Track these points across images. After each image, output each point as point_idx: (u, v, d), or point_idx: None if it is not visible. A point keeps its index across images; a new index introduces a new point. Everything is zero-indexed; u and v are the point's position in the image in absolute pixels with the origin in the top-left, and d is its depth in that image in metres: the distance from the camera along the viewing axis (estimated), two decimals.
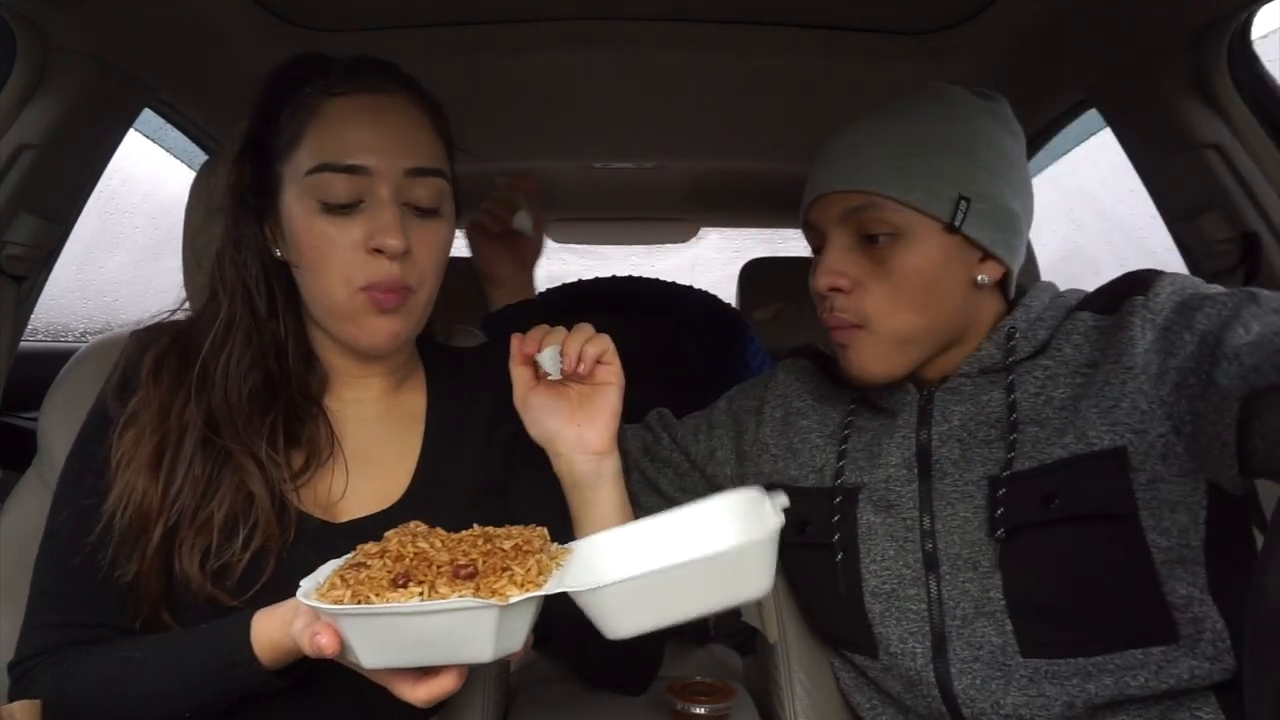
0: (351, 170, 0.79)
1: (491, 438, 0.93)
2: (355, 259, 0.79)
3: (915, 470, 0.89)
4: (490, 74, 1.36)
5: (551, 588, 0.60)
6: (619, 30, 1.24)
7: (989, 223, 0.87)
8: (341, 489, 0.85)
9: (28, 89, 1.09)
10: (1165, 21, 1.09)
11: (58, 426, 1.02)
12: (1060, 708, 0.79)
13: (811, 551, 0.93)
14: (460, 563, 0.61)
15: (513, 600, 0.57)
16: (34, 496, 1.02)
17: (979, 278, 0.88)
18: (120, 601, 0.79)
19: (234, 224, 0.85)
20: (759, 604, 1.07)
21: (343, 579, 0.61)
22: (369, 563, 0.62)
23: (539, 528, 0.69)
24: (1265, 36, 1.17)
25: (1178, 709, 0.79)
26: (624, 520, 0.85)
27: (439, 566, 0.61)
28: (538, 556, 0.64)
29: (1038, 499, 0.80)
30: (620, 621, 0.62)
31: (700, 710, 1.02)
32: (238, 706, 0.75)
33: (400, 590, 0.58)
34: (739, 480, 1.05)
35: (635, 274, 1.81)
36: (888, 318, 0.87)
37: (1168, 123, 1.17)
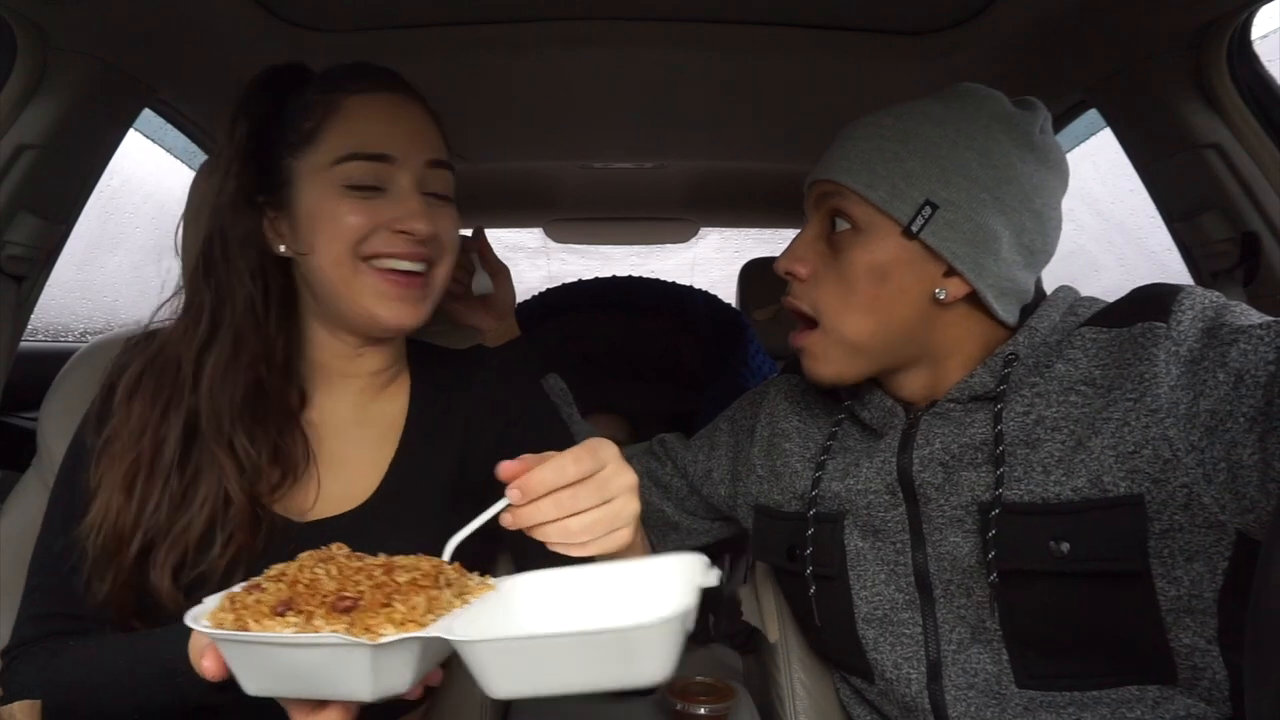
0: (379, 159, 0.83)
1: (470, 439, 0.93)
2: (373, 236, 0.82)
3: (900, 495, 0.86)
4: (490, 74, 1.35)
5: (433, 630, 0.55)
6: (619, 30, 1.24)
7: (955, 234, 0.82)
8: (313, 498, 0.86)
9: (28, 89, 1.09)
10: (1165, 21, 1.09)
11: (57, 427, 1.02)
12: None
13: (803, 579, 0.92)
14: (343, 593, 0.57)
15: (385, 640, 0.54)
16: (34, 496, 1.02)
17: (938, 291, 0.83)
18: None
19: (232, 224, 0.84)
20: (759, 604, 1.07)
21: (232, 601, 0.59)
22: (265, 586, 0.60)
23: (455, 563, 0.65)
24: (1265, 36, 1.17)
25: None
26: (641, 543, 0.83)
27: (324, 596, 0.57)
28: (433, 593, 0.59)
29: (1043, 541, 0.76)
30: (494, 681, 0.56)
31: (700, 710, 1.02)
32: (192, 714, 0.75)
33: (278, 619, 0.56)
34: (731, 500, 1.05)
35: (635, 274, 1.81)
36: (837, 316, 0.86)
37: (1168, 123, 1.17)
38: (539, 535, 0.63)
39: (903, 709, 0.87)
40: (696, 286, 1.81)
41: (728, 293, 2.16)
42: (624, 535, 0.65)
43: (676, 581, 0.62)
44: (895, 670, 0.86)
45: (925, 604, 0.85)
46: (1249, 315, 0.74)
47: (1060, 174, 0.88)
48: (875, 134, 0.86)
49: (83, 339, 2.35)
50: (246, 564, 0.79)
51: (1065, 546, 0.75)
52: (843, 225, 0.86)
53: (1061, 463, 0.77)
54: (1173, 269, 1.34)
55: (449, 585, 0.61)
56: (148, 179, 2.56)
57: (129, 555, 0.78)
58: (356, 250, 0.82)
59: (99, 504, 0.80)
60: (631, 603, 0.62)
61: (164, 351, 0.86)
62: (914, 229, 0.82)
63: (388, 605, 0.57)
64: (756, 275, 2.32)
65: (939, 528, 0.84)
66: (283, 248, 0.85)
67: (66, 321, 2.50)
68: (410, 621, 0.56)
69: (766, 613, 1.05)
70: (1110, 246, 3.02)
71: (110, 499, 0.79)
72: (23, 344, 1.25)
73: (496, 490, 0.63)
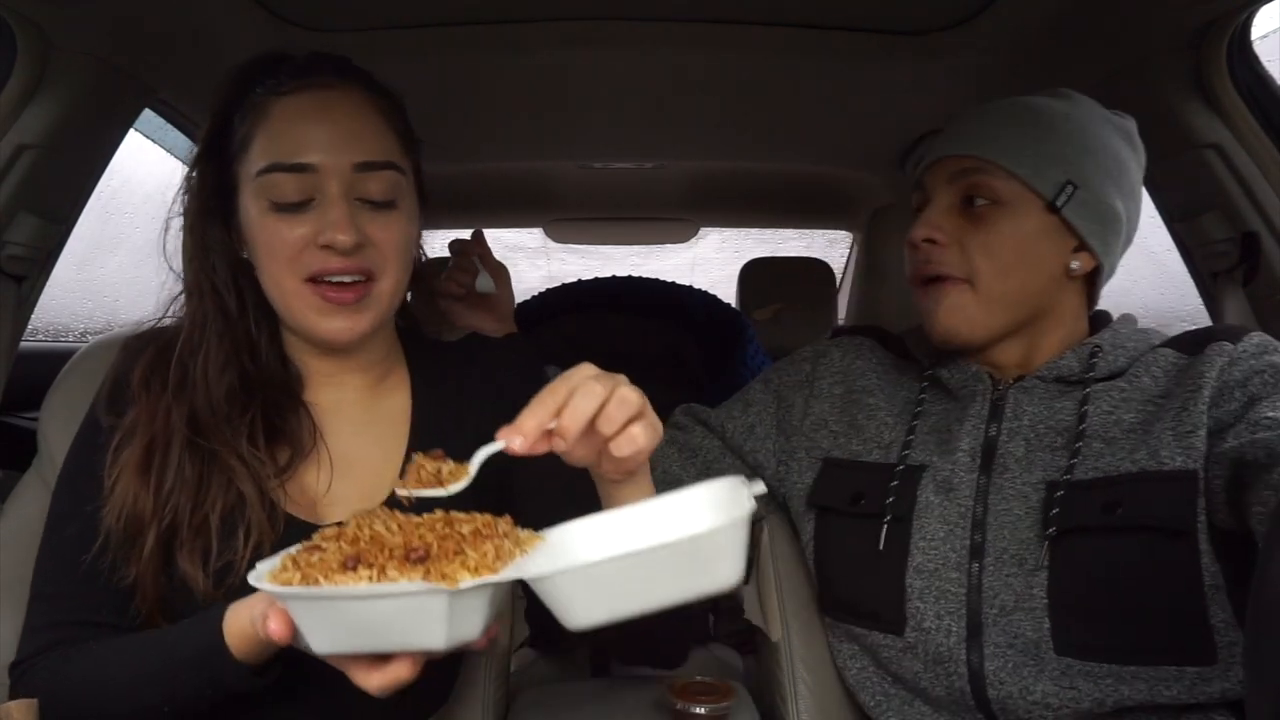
0: (299, 169, 0.79)
1: (482, 431, 0.92)
2: (306, 254, 0.80)
3: (979, 461, 0.91)
4: (490, 74, 1.36)
5: (507, 574, 0.57)
6: (619, 30, 1.24)
7: (1089, 213, 0.90)
8: (325, 485, 0.85)
9: (28, 89, 1.09)
10: (1165, 21, 1.09)
11: (58, 426, 1.02)
12: (1090, 704, 0.80)
13: (861, 522, 0.95)
14: (413, 545, 0.58)
15: (463, 586, 0.55)
16: (34, 496, 1.02)
17: (1072, 264, 0.92)
18: (117, 602, 0.79)
19: (199, 227, 0.85)
20: (761, 603, 1.07)
21: (294, 561, 0.59)
22: (324, 545, 0.60)
23: (505, 516, 0.66)
24: (1265, 36, 1.17)
25: (1193, 710, 0.80)
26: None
27: (391, 550, 0.58)
28: (497, 542, 0.61)
29: (1099, 506, 0.82)
30: (577, 612, 0.58)
31: (700, 710, 1.02)
32: (220, 710, 0.74)
33: (349, 573, 0.56)
34: (782, 455, 1.07)
35: (635, 274, 1.81)
36: (993, 277, 0.91)
37: (1168, 123, 1.17)
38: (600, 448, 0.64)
39: (930, 661, 0.88)
40: (696, 286, 1.81)
41: (728, 293, 2.16)
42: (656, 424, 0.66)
43: (720, 498, 0.65)
44: (935, 621, 0.88)
45: (975, 568, 0.88)
46: None
47: (1143, 174, 0.98)
48: (1010, 118, 0.93)
49: (83, 339, 2.35)
50: (270, 553, 0.78)
51: (1119, 510, 0.81)
52: (981, 201, 0.92)
53: (1128, 449, 0.84)
54: (1173, 269, 1.34)
55: (506, 536, 0.62)
56: (148, 179, 2.56)
57: (149, 540, 0.77)
58: (294, 270, 0.80)
59: (120, 488, 0.79)
60: (684, 523, 0.63)
61: (170, 345, 0.86)
62: (1058, 204, 0.90)
63: (460, 554, 0.58)
64: (756, 275, 2.32)
65: (1007, 498, 0.88)
66: (244, 254, 0.85)
67: (66, 321, 2.50)
68: (484, 568, 0.57)
69: (768, 611, 1.05)
70: None
71: (129, 483, 0.79)
72: (23, 344, 1.25)
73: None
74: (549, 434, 0.64)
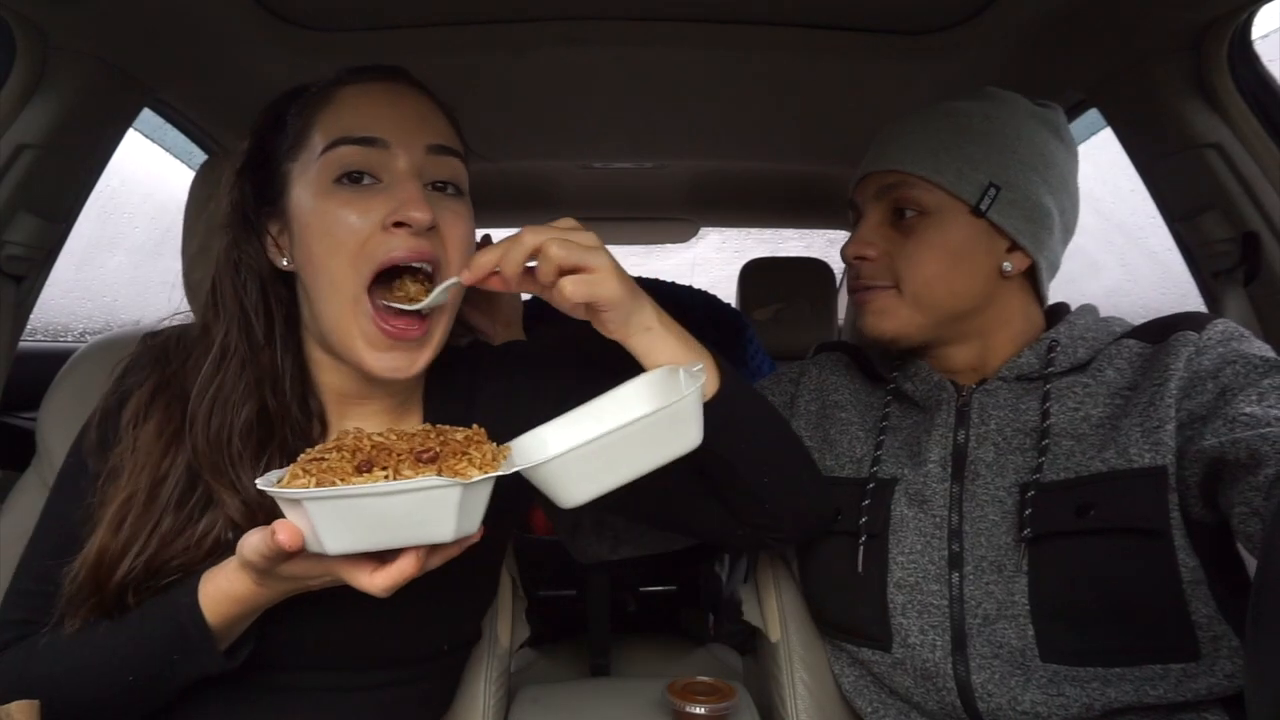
0: (368, 142, 0.75)
1: (495, 434, 0.91)
2: (373, 241, 0.74)
3: (949, 469, 0.91)
4: (490, 74, 1.36)
5: (508, 467, 0.63)
6: (619, 30, 1.24)
7: (1017, 212, 0.91)
8: None
9: (28, 89, 1.09)
10: (1165, 21, 1.09)
11: (57, 427, 1.02)
12: (1079, 709, 0.79)
13: (840, 539, 0.94)
14: (421, 448, 0.63)
15: (474, 479, 0.60)
16: (33, 496, 1.02)
17: (1005, 265, 0.92)
18: None
19: (234, 242, 0.81)
20: (760, 603, 1.07)
21: (304, 470, 0.62)
22: (326, 456, 0.64)
23: (481, 429, 0.71)
24: (1265, 36, 1.17)
25: (1185, 710, 0.80)
26: (687, 349, 0.79)
27: (400, 454, 0.63)
28: (488, 445, 0.67)
29: (1072, 509, 0.81)
30: (575, 488, 0.64)
31: (700, 710, 1.02)
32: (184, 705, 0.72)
33: (364, 475, 0.60)
34: None
35: (635, 274, 1.81)
36: (921, 284, 0.92)
37: (1168, 123, 1.17)
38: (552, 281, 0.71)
39: (920, 677, 0.88)
40: (696, 286, 1.81)
41: (728, 293, 2.16)
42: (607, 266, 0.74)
43: (645, 388, 0.75)
44: (920, 636, 0.87)
45: (955, 578, 0.87)
46: (1263, 348, 0.82)
47: (1078, 163, 0.98)
48: (928, 127, 0.94)
49: (82, 339, 2.35)
50: None
51: (1092, 512, 0.80)
52: (910, 213, 0.93)
53: (1097, 446, 0.84)
54: (1173, 269, 1.34)
55: (486, 442, 0.69)
56: (147, 179, 2.56)
57: (109, 589, 0.73)
58: (357, 266, 0.74)
59: (92, 543, 0.74)
60: (627, 410, 0.72)
61: (176, 378, 0.81)
62: (982, 208, 0.90)
63: (465, 454, 0.64)
64: (756, 275, 2.33)
65: (981, 504, 0.88)
66: (285, 261, 0.80)
67: (66, 321, 2.50)
68: (486, 465, 0.63)
69: (768, 612, 1.05)
70: (1110, 246, 3.01)
71: (98, 537, 0.75)
72: (22, 344, 1.25)
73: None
74: (499, 275, 0.72)
